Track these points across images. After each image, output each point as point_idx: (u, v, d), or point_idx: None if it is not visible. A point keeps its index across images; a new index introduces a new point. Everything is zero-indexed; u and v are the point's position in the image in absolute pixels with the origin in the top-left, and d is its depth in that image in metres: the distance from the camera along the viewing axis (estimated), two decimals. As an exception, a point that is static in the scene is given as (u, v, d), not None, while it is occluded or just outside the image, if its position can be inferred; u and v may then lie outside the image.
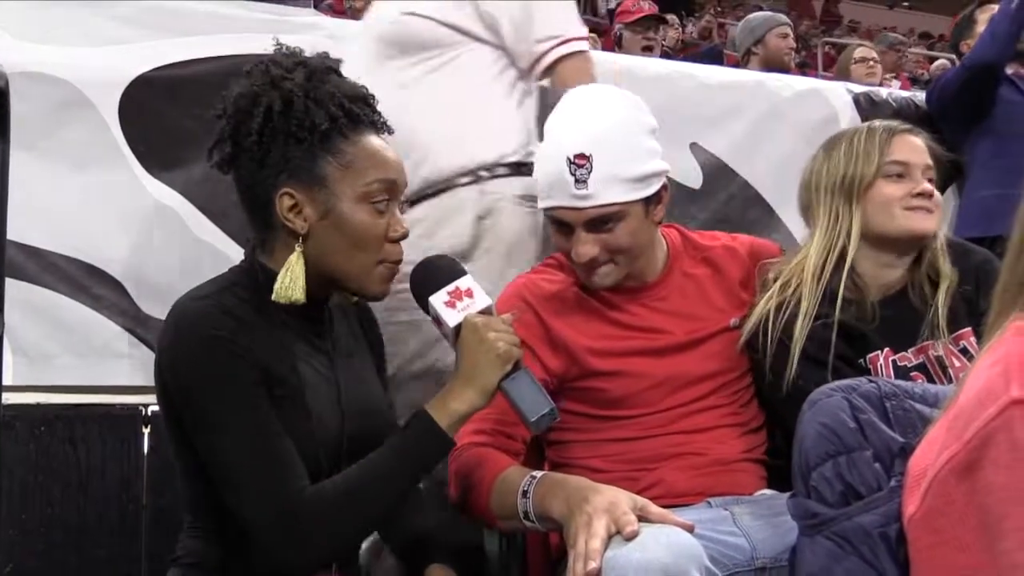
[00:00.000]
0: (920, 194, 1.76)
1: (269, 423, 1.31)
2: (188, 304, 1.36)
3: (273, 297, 1.36)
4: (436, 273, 1.44)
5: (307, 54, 1.46)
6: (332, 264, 1.40)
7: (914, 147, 1.81)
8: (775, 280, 1.77)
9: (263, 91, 1.37)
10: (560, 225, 1.65)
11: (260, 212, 1.41)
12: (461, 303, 1.40)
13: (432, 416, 1.36)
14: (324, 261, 1.40)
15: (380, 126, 1.45)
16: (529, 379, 1.40)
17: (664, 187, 1.68)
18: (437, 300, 1.41)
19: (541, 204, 1.68)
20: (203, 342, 1.31)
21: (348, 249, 1.39)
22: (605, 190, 1.59)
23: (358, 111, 1.41)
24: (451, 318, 1.40)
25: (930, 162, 1.81)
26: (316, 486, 1.32)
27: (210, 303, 1.35)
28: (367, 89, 1.46)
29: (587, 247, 1.62)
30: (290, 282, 1.36)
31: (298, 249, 1.38)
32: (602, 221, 1.61)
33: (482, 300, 1.41)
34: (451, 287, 1.42)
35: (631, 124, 1.65)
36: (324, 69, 1.42)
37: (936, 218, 1.78)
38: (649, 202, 1.65)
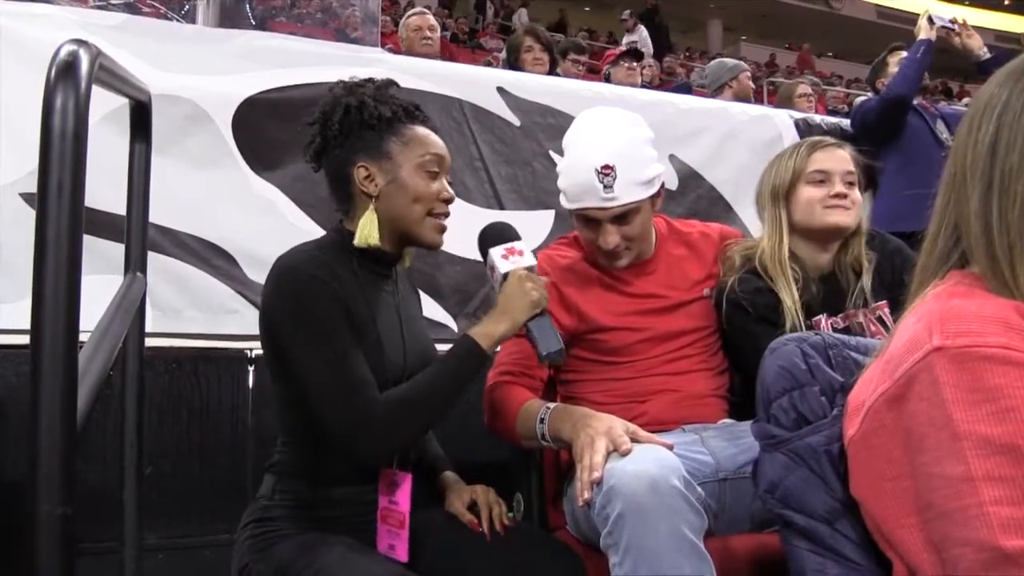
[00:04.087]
0: (836, 195, 1.74)
1: (349, 347, 1.31)
2: (290, 256, 1.36)
3: (355, 243, 1.37)
4: (500, 233, 1.46)
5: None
6: (397, 217, 1.41)
7: (835, 158, 1.78)
8: (735, 261, 1.75)
9: (342, 96, 1.41)
10: (588, 221, 1.63)
11: (343, 187, 1.42)
12: (513, 258, 1.43)
13: (474, 338, 1.36)
14: (392, 216, 1.41)
15: (429, 122, 1.46)
16: (549, 323, 1.41)
17: (662, 184, 1.66)
18: (496, 252, 1.44)
19: (571, 206, 1.63)
20: (301, 281, 1.31)
21: (408, 205, 1.40)
22: (627, 193, 1.57)
23: (412, 110, 1.44)
24: (503, 267, 1.42)
25: (851, 168, 1.78)
26: (385, 394, 1.31)
27: (307, 255, 1.35)
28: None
29: (612, 237, 1.60)
30: (367, 230, 1.37)
31: (372, 207, 1.39)
32: (624, 216, 1.59)
33: (528, 259, 1.44)
34: (508, 245, 1.44)
35: (638, 140, 1.62)
36: (386, 83, 1.46)
37: (852, 214, 1.75)
38: (654, 197, 1.64)
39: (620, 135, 1.60)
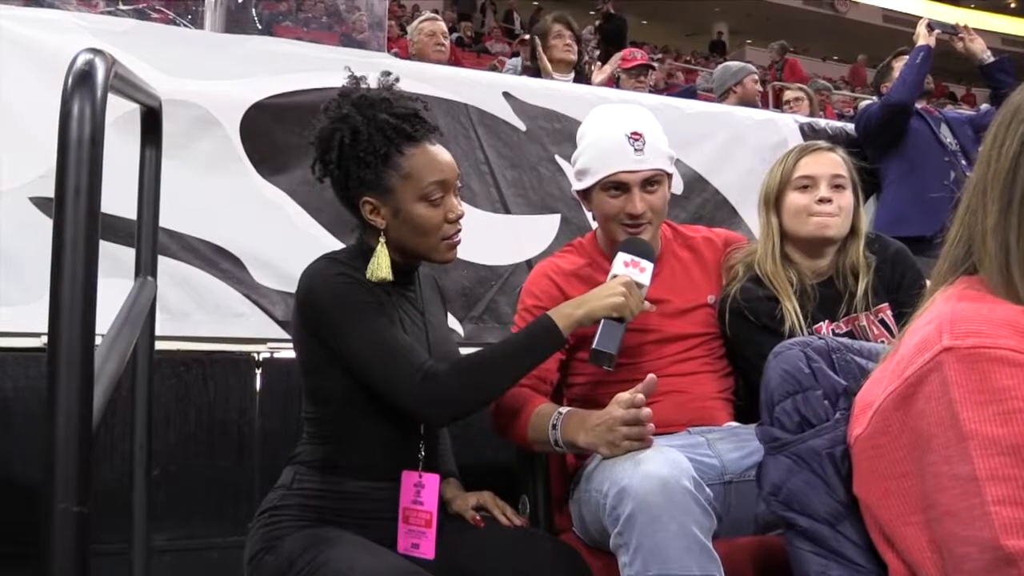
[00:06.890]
0: (821, 200, 1.73)
1: (391, 324, 1.37)
2: (320, 261, 1.43)
3: (368, 277, 1.40)
4: (639, 246, 1.56)
5: (370, 80, 1.48)
6: (408, 246, 1.45)
7: (822, 161, 1.77)
8: (738, 271, 1.76)
9: (337, 127, 1.41)
10: (616, 189, 1.64)
11: (354, 213, 1.46)
12: (631, 269, 1.51)
13: (552, 318, 1.41)
14: (402, 245, 1.44)
15: (431, 133, 1.45)
16: (620, 332, 1.46)
17: (671, 175, 1.71)
18: (622, 256, 1.53)
19: (599, 175, 1.64)
20: (333, 278, 1.38)
21: (416, 235, 1.43)
22: (655, 158, 1.62)
23: (410, 129, 1.41)
24: (616, 269, 1.52)
25: (839, 172, 1.76)
26: (452, 359, 1.39)
27: (336, 261, 1.42)
28: (420, 103, 1.47)
29: (640, 203, 1.62)
30: (378, 266, 1.40)
31: (382, 240, 1.43)
32: (651, 182, 1.63)
33: (643, 278, 1.51)
34: (636, 258, 1.52)
35: (657, 122, 1.69)
36: (380, 100, 1.43)
37: (838, 221, 1.73)
38: (670, 179, 1.69)
39: (643, 112, 1.70)
